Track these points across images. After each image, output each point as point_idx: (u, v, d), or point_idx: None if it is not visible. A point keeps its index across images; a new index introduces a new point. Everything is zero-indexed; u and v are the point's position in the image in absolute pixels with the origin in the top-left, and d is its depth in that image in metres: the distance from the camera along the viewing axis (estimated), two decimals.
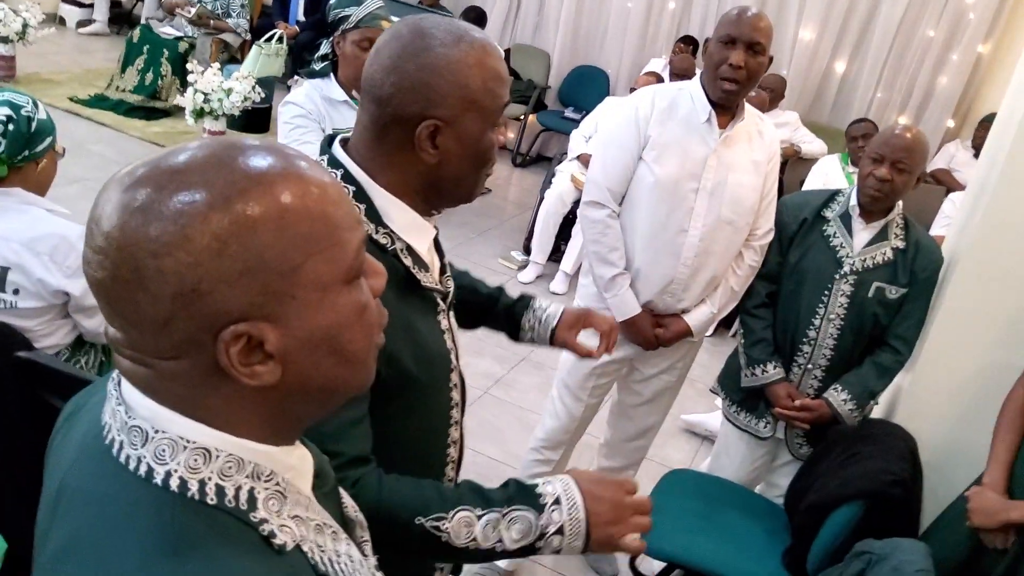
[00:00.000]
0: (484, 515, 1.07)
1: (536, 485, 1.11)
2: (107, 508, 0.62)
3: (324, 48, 2.48)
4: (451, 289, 1.27)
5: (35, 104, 1.94)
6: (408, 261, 1.13)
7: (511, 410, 3.51)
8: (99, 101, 5.73)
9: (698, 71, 2.22)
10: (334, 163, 1.12)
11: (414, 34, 1.07)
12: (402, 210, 1.13)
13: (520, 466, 2.65)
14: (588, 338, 1.57)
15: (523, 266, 4.93)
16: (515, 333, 1.58)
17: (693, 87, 2.20)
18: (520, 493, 1.09)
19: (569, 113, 6.73)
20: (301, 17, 7.15)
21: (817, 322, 2.24)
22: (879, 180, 2.13)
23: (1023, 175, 2.14)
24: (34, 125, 1.92)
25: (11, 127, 1.87)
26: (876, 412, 2.56)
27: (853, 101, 6.40)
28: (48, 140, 1.97)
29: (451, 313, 1.28)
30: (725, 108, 2.16)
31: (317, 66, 2.47)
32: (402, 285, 1.13)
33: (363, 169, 1.11)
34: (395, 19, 2.31)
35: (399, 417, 1.16)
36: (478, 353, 3.87)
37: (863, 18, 6.24)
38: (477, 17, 6.32)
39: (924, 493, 2.29)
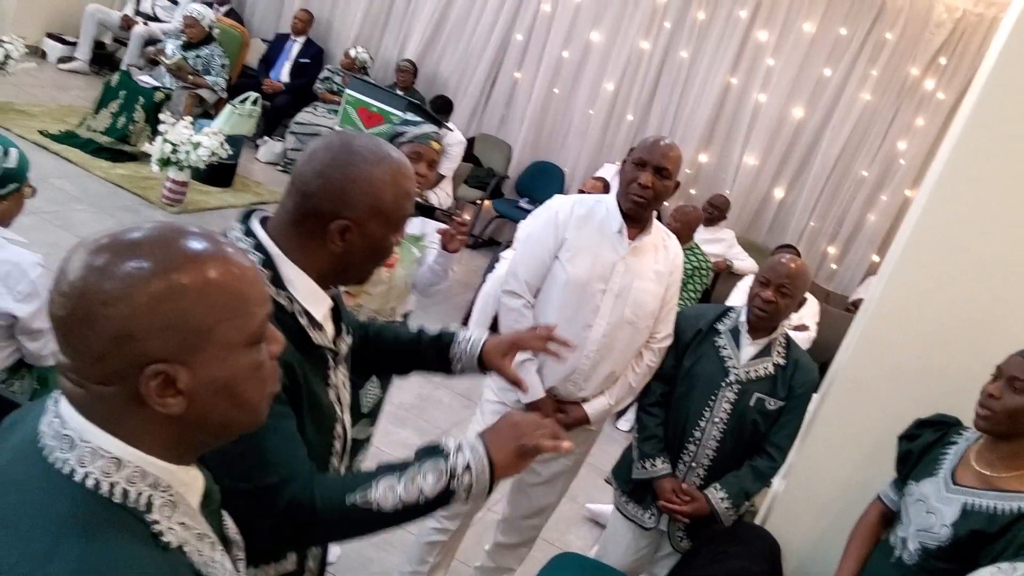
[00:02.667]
0: (403, 475, 1.25)
1: (439, 442, 1.30)
2: (34, 495, 0.79)
3: None
4: (343, 350, 1.46)
5: (5, 153, 2.11)
6: (304, 321, 1.33)
7: None
8: (69, 138, 5.85)
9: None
10: (248, 233, 1.32)
11: (344, 148, 1.31)
12: (304, 280, 1.33)
13: (418, 532, 2.77)
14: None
15: None
16: (446, 367, 1.69)
17: (609, 200, 2.44)
18: (427, 451, 1.29)
19: (523, 203, 7.03)
20: (286, 79, 7.46)
21: (703, 424, 2.45)
22: (764, 301, 2.38)
23: (894, 311, 2.39)
24: (0, 172, 2.09)
25: None
26: (757, 519, 2.75)
27: (788, 226, 6.81)
28: (12, 186, 2.14)
29: (340, 369, 1.46)
30: (635, 221, 2.41)
31: None
32: (298, 341, 1.32)
33: (275, 243, 1.31)
34: (438, 139, 2.55)
35: None
36: (400, 423, 4.01)
37: (804, 151, 6.71)
38: (443, 104, 6.65)
39: None
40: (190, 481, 0.89)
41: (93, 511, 0.78)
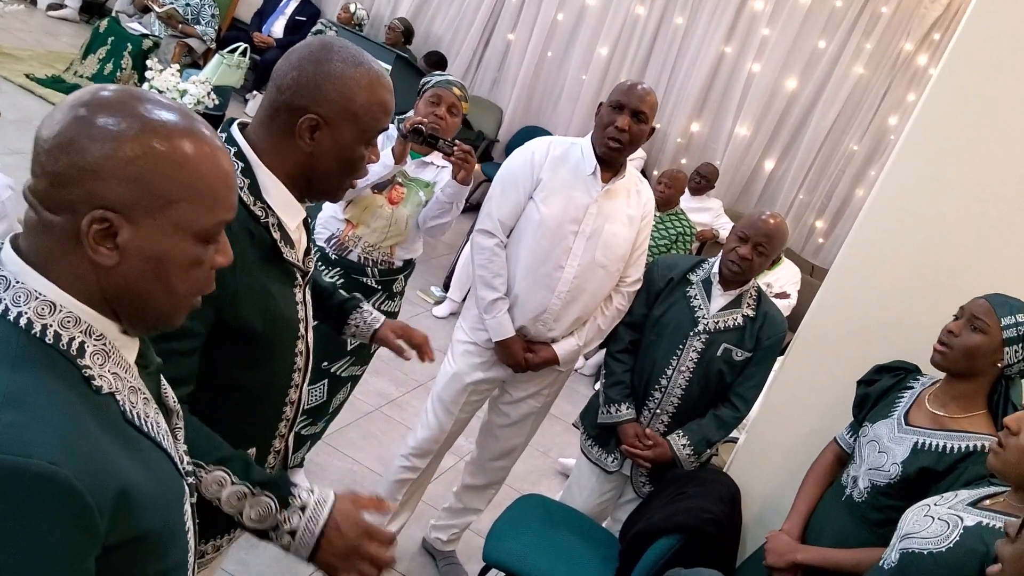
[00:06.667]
0: (237, 484, 1.19)
1: (297, 485, 1.21)
2: None
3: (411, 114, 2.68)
4: (311, 269, 1.46)
5: None
6: (276, 235, 1.32)
7: (398, 429, 3.65)
8: (55, 83, 5.80)
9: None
10: (231, 141, 1.32)
11: (323, 47, 1.31)
12: (279, 188, 1.33)
13: (387, 470, 2.80)
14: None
15: (439, 301, 5.12)
16: (339, 326, 1.82)
17: (585, 143, 2.45)
18: (277, 483, 1.22)
19: None
20: (280, 34, 7.40)
21: (669, 372, 2.47)
22: (740, 257, 2.39)
23: (855, 269, 2.41)
24: None
25: None
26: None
27: (777, 198, 6.81)
28: None
29: (307, 289, 1.46)
30: (609, 164, 2.41)
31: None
32: (266, 253, 1.32)
33: (253, 150, 1.31)
34: (461, 87, 2.57)
35: (244, 367, 1.34)
36: (376, 373, 4.01)
37: (795, 123, 6.69)
38: (438, 60, 6.60)
39: (748, 543, 2.50)
40: (125, 338, 0.91)
41: (24, 347, 0.80)
